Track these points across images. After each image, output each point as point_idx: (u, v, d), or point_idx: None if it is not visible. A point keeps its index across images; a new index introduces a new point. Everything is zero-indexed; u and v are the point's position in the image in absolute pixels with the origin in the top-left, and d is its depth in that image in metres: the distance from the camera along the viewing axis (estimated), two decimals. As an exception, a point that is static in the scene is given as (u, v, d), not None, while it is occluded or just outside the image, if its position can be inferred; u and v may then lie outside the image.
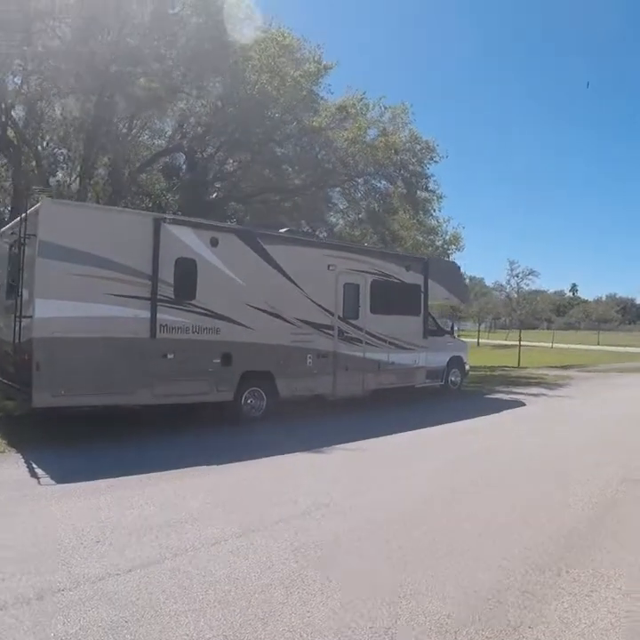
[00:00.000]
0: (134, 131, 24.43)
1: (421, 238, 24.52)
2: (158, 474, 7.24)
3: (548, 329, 78.08)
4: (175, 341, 10.34)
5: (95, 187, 22.60)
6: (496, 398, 16.50)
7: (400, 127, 21.07)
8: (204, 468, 7.75)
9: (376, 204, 22.05)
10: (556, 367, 28.46)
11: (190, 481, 7.06)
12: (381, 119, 21.12)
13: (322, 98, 19.82)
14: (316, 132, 19.24)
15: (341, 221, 25.49)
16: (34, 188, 11.34)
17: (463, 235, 26.75)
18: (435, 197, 24.15)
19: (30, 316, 9.07)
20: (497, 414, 13.46)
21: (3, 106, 18.86)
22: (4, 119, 19.10)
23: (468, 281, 76.00)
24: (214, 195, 24.23)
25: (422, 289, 15.45)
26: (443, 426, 11.54)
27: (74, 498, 6.26)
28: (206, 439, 9.94)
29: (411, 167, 21.21)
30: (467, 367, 17.81)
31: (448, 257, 25.63)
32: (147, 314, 10.00)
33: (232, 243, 11.30)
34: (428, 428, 11.23)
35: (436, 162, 21.55)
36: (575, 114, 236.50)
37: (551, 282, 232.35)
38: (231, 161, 23.75)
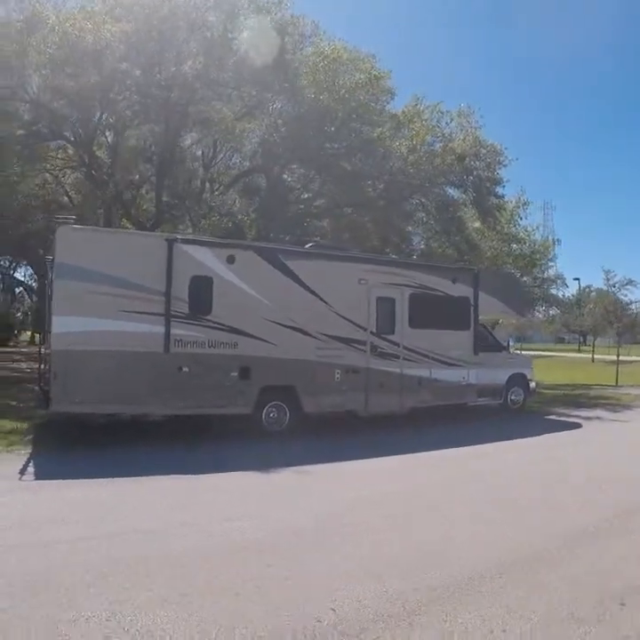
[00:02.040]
0: (222, 154, 27.00)
1: (505, 248, 24.86)
2: (120, 479, 8.69)
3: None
4: (190, 355, 11.82)
5: (175, 208, 25.00)
6: (549, 419, 16.61)
7: (467, 131, 21.75)
8: (164, 477, 8.92)
9: (447, 214, 22.67)
10: (655, 385, 27.59)
11: (127, 487, 8.38)
12: (439, 125, 21.98)
13: (378, 108, 20.86)
14: (373, 144, 20.36)
15: (420, 236, 26.38)
16: (57, 216, 13.23)
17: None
18: (520, 204, 24.66)
19: (50, 332, 10.90)
20: (523, 439, 13.44)
21: (88, 138, 21.58)
22: (88, 153, 21.77)
23: (593, 293, 73.66)
24: (292, 213, 25.97)
25: (471, 302, 15.86)
26: (456, 449, 11.86)
27: (20, 492, 8.03)
28: (206, 451, 11.16)
29: (475, 172, 21.91)
30: (532, 385, 17.92)
31: (539, 267, 25.80)
32: (161, 329, 11.55)
33: (250, 259, 12.67)
34: (436, 451, 11.53)
35: (505, 165, 22.10)
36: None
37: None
38: (307, 176, 25.35)
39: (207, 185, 26.32)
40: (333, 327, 13.57)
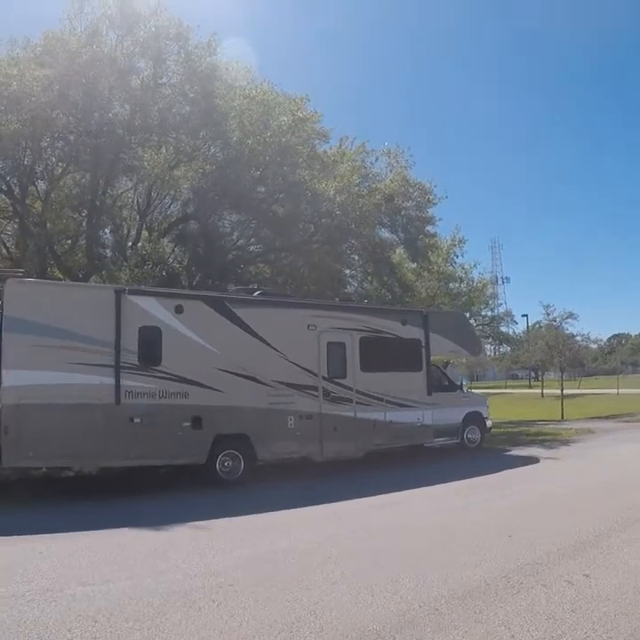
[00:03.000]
0: (157, 202, 27.30)
1: (442, 287, 25.98)
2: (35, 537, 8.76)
3: (633, 374, 79.04)
4: (141, 406, 12.13)
5: (103, 260, 25.15)
6: (476, 459, 16.75)
7: (396, 171, 22.89)
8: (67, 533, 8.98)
9: (377, 255, 23.47)
10: (598, 418, 28.68)
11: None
12: (365, 165, 23.10)
13: (307, 151, 21.51)
14: (300, 186, 21.09)
15: (355, 278, 27.24)
16: (1, 270, 13.60)
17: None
18: (456, 242, 26.04)
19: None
20: (444, 485, 12.95)
21: (20, 187, 21.68)
22: (20, 203, 21.84)
23: (542, 329, 76.67)
24: (227, 259, 26.43)
25: (422, 343, 16.66)
26: (371, 498, 11.59)
27: None
28: (141, 504, 11.31)
29: (404, 212, 22.89)
30: (488, 423, 18.70)
31: (478, 305, 27.12)
32: (111, 381, 11.85)
33: (199, 309, 13.15)
34: (350, 501, 11.31)
35: (434, 204, 23.37)
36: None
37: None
38: (240, 221, 25.90)
39: (144, 233, 26.62)
40: (284, 374, 14.04)
